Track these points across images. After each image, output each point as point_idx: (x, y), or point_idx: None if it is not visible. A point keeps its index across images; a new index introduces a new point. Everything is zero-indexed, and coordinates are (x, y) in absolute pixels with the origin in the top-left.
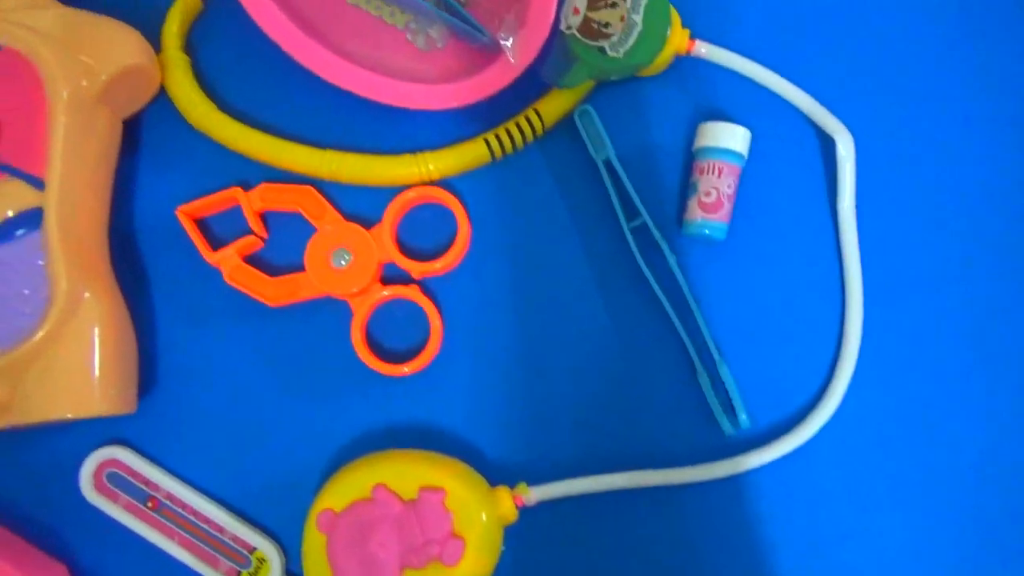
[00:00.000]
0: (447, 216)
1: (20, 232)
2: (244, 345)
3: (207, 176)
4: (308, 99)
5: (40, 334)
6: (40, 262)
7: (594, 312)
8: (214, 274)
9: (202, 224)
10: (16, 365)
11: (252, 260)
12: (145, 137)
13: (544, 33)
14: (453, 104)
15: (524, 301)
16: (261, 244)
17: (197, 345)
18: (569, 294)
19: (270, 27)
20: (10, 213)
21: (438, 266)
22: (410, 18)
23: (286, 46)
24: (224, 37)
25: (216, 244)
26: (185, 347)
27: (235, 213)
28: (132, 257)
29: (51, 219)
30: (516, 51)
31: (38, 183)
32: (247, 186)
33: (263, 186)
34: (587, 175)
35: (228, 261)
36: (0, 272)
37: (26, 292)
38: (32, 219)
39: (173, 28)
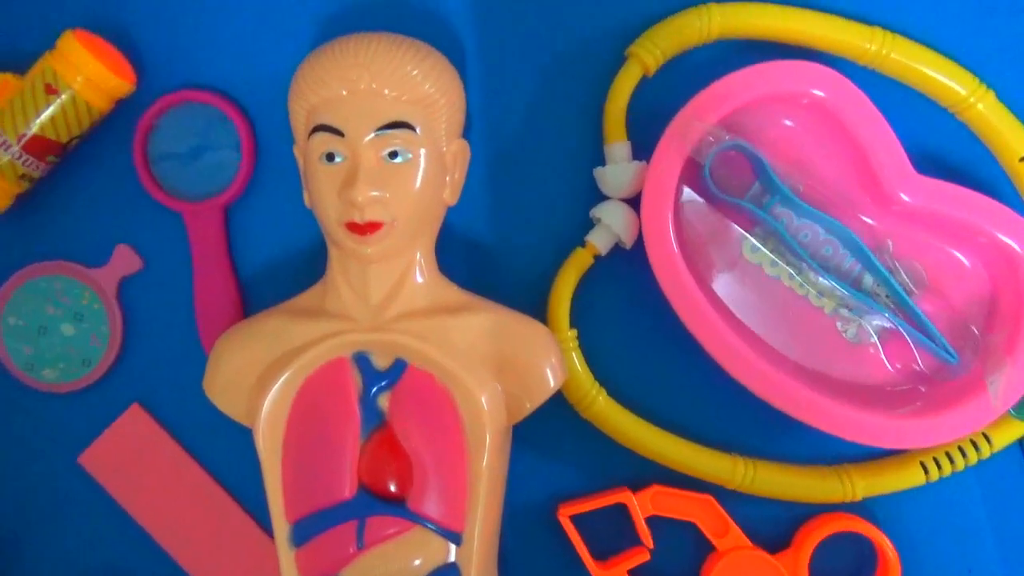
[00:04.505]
0: (866, 546)
1: None
2: None
3: (586, 469)
4: (706, 388)
5: None
6: None
7: None
8: None
9: (578, 518)
10: None
11: (635, 571)
12: (522, 422)
13: None
14: (901, 445)
15: None
16: (648, 556)
17: None
18: None
19: (685, 311)
20: (416, 564)
21: None
22: (840, 304)
23: (698, 333)
24: (608, 300)
25: (590, 538)
26: None
27: (616, 514)
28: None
29: None
30: (1001, 394)
31: (454, 538)
32: (635, 485)
33: (655, 490)
34: None
35: None
36: None
37: None
38: None
39: (564, 299)
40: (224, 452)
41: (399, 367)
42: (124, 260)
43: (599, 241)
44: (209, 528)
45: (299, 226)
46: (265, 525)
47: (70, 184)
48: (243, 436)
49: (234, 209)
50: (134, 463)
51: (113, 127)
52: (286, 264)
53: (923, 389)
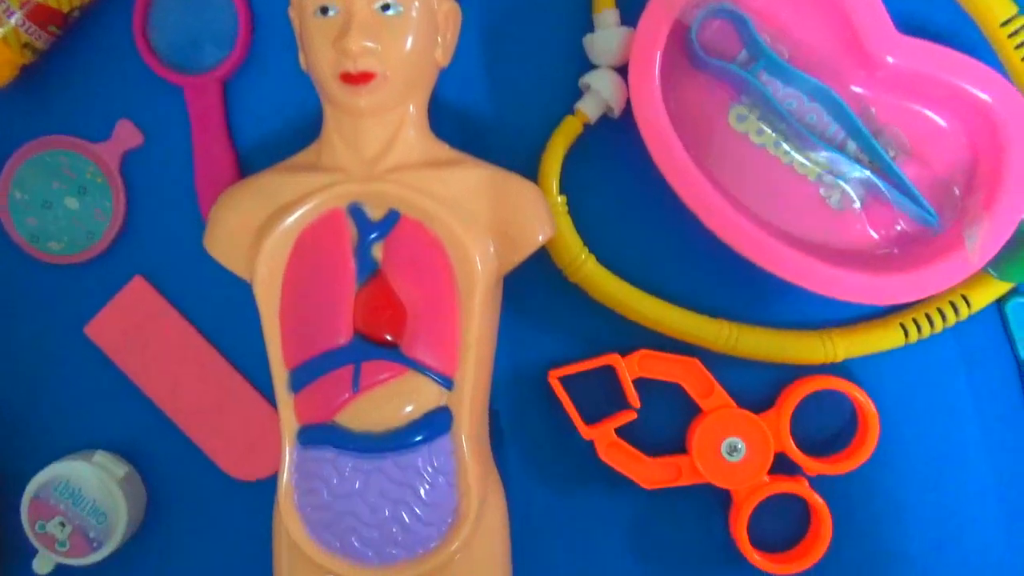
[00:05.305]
0: (847, 405)
1: (419, 439)
2: (607, 519)
3: (575, 335)
4: (693, 254)
5: (451, 547)
6: (431, 469)
7: (996, 536)
8: (581, 444)
9: (567, 382)
10: None
11: (623, 431)
12: (512, 288)
13: (1015, 224)
14: (881, 302)
15: (923, 510)
16: (634, 416)
17: (556, 512)
18: (972, 512)
19: (673, 174)
20: (409, 408)
21: (837, 467)
22: (824, 169)
23: (686, 196)
24: (598, 168)
25: (580, 402)
26: (543, 512)
27: (605, 375)
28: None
29: (462, 424)
30: (978, 248)
31: (446, 382)
32: (623, 350)
33: (642, 354)
34: (1005, 371)
35: (604, 437)
36: (402, 478)
37: (426, 500)
38: (434, 423)
39: (554, 166)
40: (224, 321)
41: (392, 217)
42: (126, 134)
43: (588, 109)
44: (209, 394)
45: (296, 99)
46: (264, 391)
47: (72, 60)
48: (242, 305)
49: (232, 83)
50: (138, 333)
51: (113, 2)
52: (283, 137)
53: (899, 251)
